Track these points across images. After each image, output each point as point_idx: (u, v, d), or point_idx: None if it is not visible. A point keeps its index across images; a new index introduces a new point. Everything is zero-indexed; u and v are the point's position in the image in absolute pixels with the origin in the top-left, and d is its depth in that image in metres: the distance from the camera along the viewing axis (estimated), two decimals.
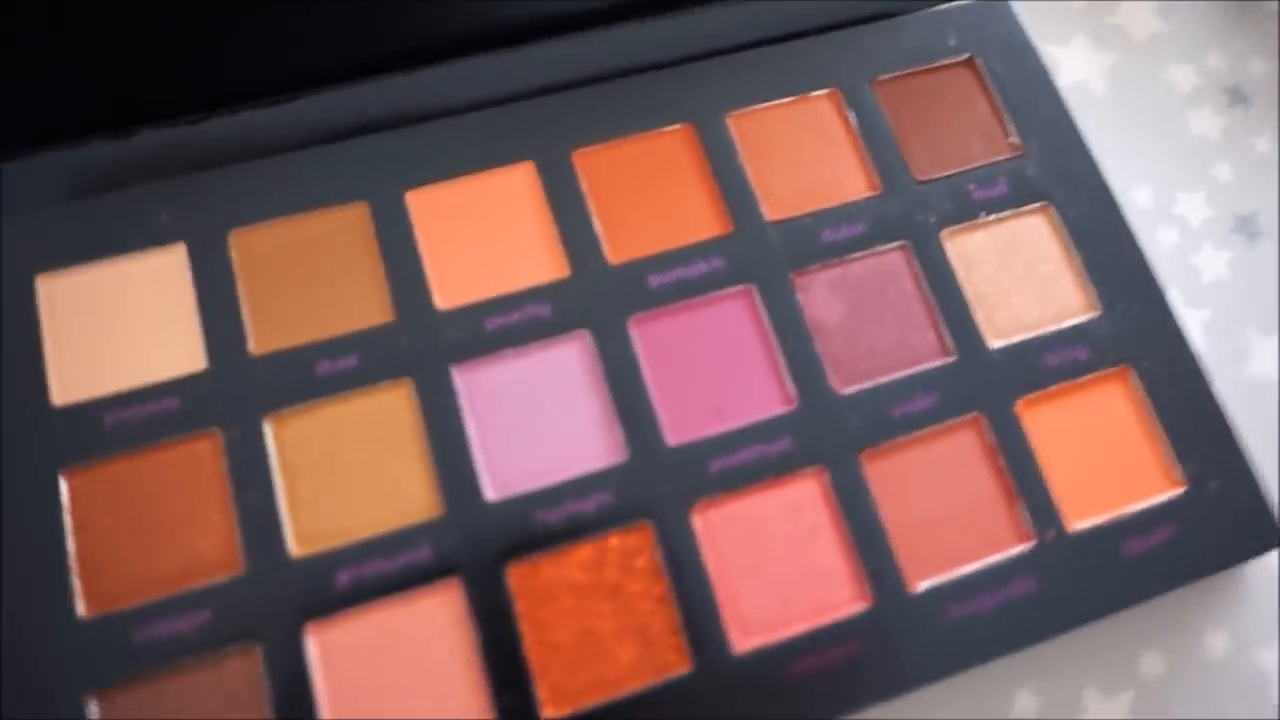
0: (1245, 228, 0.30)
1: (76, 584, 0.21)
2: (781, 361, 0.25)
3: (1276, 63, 0.32)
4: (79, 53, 0.23)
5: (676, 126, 0.27)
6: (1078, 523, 0.24)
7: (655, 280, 0.25)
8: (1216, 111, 0.32)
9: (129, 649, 0.21)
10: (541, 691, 0.21)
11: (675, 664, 0.22)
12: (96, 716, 0.20)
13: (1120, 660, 0.25)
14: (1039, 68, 0.29)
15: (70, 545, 0.21)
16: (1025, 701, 0.24)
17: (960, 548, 0.23)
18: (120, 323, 0.23)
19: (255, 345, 0.23)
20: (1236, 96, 0.32)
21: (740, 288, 0.25)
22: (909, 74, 0.28)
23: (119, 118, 0.24)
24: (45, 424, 0.22)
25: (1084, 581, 0.23)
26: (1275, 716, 0.24)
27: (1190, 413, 0.25)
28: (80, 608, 0.21)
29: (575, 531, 0.22)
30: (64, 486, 0.22)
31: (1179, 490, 0.24)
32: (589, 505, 0.23)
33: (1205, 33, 0.33)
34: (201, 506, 0.22)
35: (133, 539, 0.21)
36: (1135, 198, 0.31)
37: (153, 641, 0.21)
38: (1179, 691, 0.24)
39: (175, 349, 0.23)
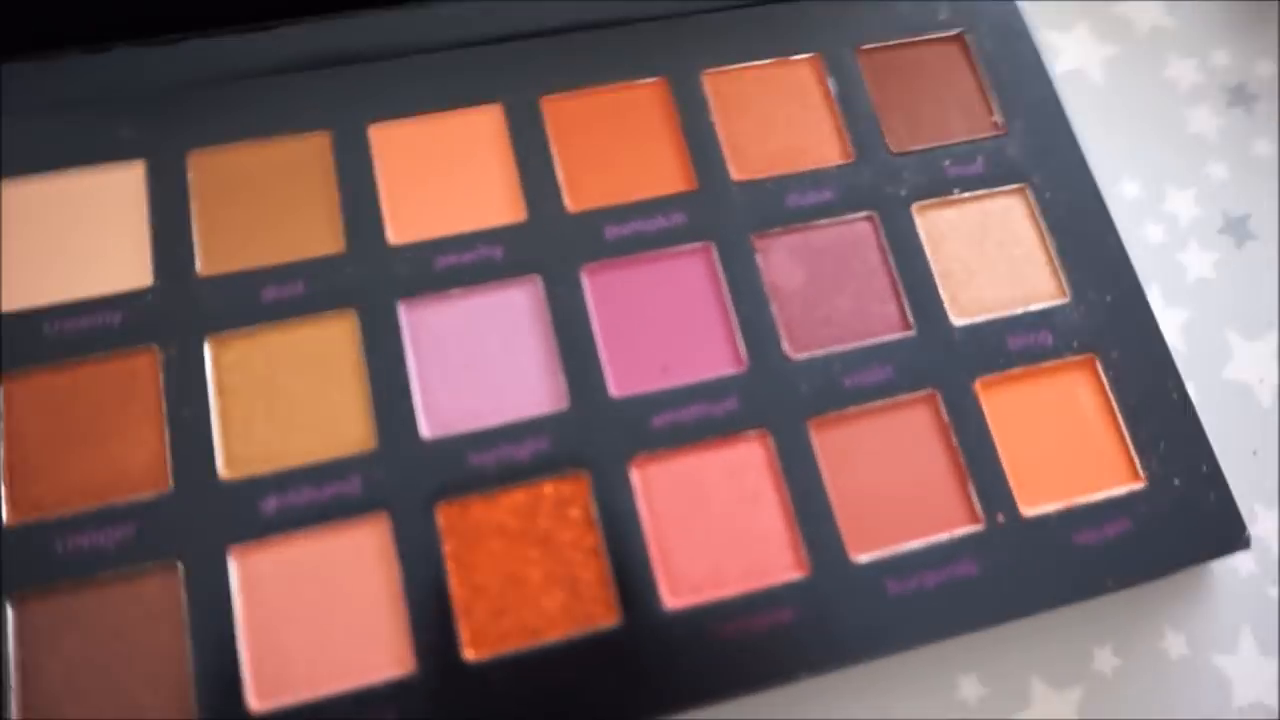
0: (1235, 229, 0.30)
1: (3, 490, 0.21)
2: (734, 322, 0.24)
3: None
4: None
5: (650, 80, 0.26)
6: (1030, 508, 0.23)
7: (612, 231, 0.24)
8: (1215, 111, 0.31)
9: (52, 558, 0.21)
10: (464, 633, 0.21)
11: (602, 616, 0.21)
12: (14, 621, 0.20)
13: (1072, 655, 0.24)
14: (1031, 50, 0.28)
15: (0, 451, 0.21)
16: (969, 689, 0.23)
17: (905, 524, 0.23)
18: (73, 234, 0.23)
19: (203, 266, 0.23)
20: (1238, 97, 0.32)
21: (699, 245, 0.25)
22: (895, 45, 0.28)
23: (95, 32, 0.24)
24: None
25: (1031, 569, 0.23)
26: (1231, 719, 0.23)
27: (1157, 408, 0.25)
28: (5, 514, 0.21)
29: (509, 476, 0.22)
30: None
31: (1138, 484, 0.24)
32: (524, 451, 0.22)
33: (1212, 31, 0.32)
34: (134, 422, 0.22)
35: (64, 449, 0.21)
36: (1123, 190, 0.30)
37: (76, 552, 0.21)
38: (1131, 690, 0.24)
39: (123, 264, 0.23)
